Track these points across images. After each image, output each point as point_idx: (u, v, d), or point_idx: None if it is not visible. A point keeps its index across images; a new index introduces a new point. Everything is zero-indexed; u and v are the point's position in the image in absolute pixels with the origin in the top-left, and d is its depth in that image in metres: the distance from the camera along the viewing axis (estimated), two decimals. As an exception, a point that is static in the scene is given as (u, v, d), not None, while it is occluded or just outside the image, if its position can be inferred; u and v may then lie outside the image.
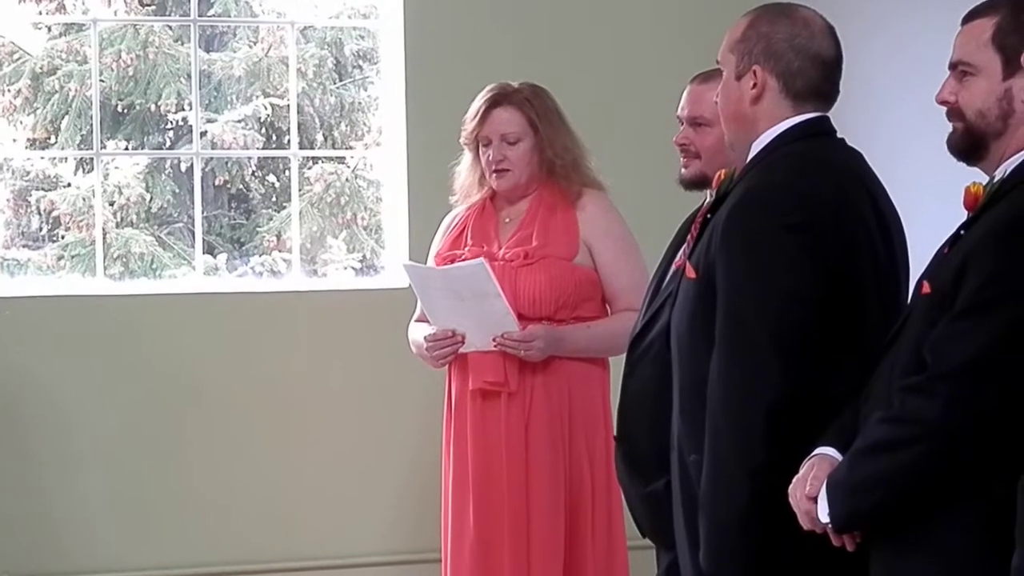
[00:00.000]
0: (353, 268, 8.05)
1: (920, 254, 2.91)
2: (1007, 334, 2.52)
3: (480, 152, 4.43)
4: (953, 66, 2.74)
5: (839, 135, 3.12)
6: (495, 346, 4.27)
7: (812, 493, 2.69)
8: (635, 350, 3.40)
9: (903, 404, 2.59)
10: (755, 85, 3.04)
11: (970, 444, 2.54)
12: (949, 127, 2.76)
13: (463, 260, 4.37)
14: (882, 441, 2.60)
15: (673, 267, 3.39)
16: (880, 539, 2.66)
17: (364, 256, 8.04)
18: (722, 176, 3.20)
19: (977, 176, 2.73)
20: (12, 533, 5.21)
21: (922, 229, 3.20)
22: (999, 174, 2.68)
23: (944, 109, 2.76)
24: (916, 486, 2.58)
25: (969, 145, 2.71)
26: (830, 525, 2.67)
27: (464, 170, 4.51)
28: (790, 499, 2.75)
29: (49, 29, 8.57)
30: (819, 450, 2.75)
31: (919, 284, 2.70)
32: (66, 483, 5.25)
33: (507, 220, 4.46)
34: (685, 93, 3.71)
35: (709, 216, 3.12)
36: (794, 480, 2.75)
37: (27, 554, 5.22)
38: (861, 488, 2.62)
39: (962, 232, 2.67)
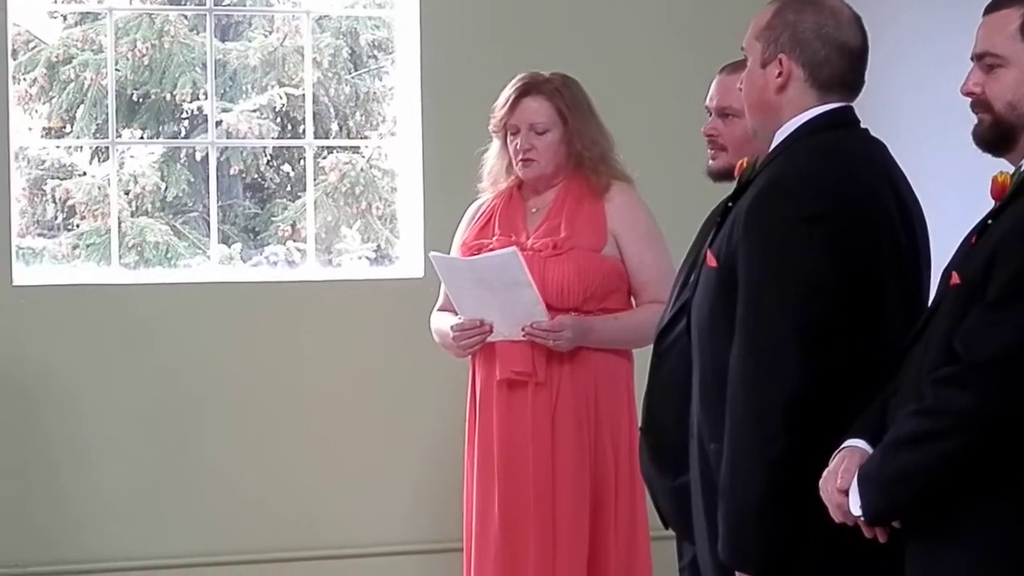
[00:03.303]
0: (368, 258, 8.04)
1: (941, 245, 2.90)
2: None
3: (508, 140, 4.43)
4: (978, 57, 2.71)
5: (863, 125, 3.10)
6: (524, 335, 4.26)
7: (843, 486, 2.68)
8: (663, 342, 3.39)
9: (936, 396, 2.57)
10: (780, 74, 3.04)
11: (1004, 434, 2.52)
12: (970, 118, 2.74)
13: (490, 249, 4.37)
14: (915, 433, 2.58)
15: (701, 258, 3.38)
16: (914, 532, 2.64)
17: (379, 246, 8.03)
18: (744, 164, 3.19)
19: (1002, 166, 2.72)
20: (27, 522, 5.21)
21: (943, 220, 3.19)
22: None
23: (968, 100, 2.74)
24: (950, 478, 2.56)
25: (998, 137, 2.70)
26: (862, 518, 2.65)
27: (492, 157, 4.51)
28: (821, 492, 2.73)
29: (65, 18, 8.57)
30: (849, 442, 2.73)
31: (947, 275, 2.68)
32: (81, 472, 5.26)
33: (534, 210, 4.46)
34: (713, 83, 3.70)
35: (730, 204, 3.12)
36: (825, 473, 2.73)
37: (42, 543, 5.23)
38: (894, 480, 2.60)
39: (990, 222, 2.65)
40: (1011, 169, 2.68)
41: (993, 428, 2.52)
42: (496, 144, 4.49)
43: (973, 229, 2.71)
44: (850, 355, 2.88)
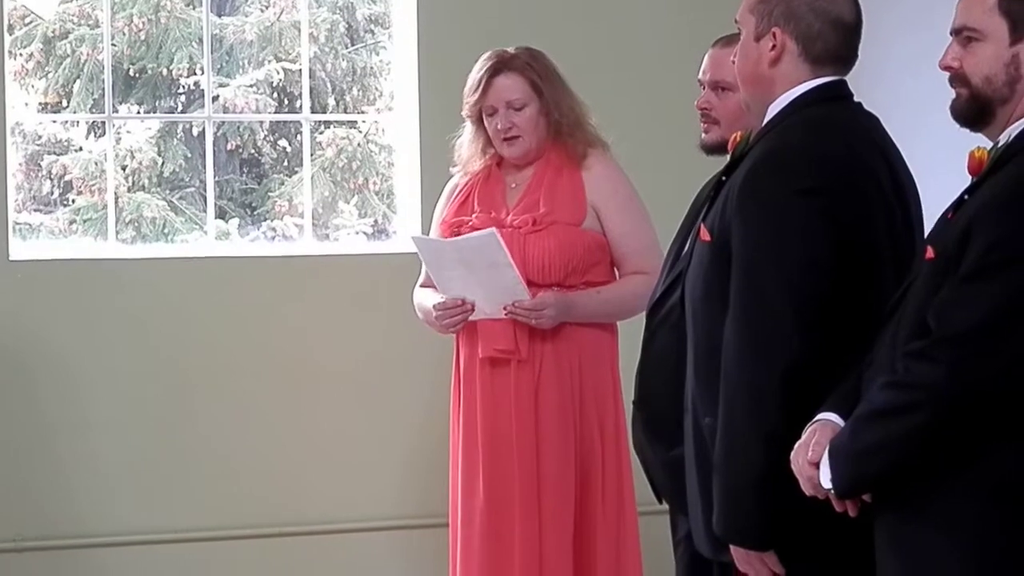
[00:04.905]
0: (364, 233, 8.04)
1: (935, 220, 2.89)
2: (1012, 298, 2.50)
3: (485, 122, 4.40)
4: (957, 31, 2.72)
5: (856, 99, 3.10)
6: (506, 315, 4.26)
7: (814, 459, 2.69)
8: (655, 316, 3.40)
9: (907, 369, 2.57)
10: (774, 47, 3.04)
11: (974, 409, 2.52)
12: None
13: (470, 226, 4.36)
14: (885, 406, 2.59)
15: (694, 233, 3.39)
16: (884, 505, 2.65)
17: (376, 221, 8.03)
18: (738, 138, 3.19)
19: (982, 141, 2.72)
20: (25, 498, 5.22)
21: (937, 196, 3.18)
22: (1003, 139, 2.67)
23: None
24: (919, 452, 2.57)
25: (974, 111, 2.70)
26: (832, 491, 2.66)
27: (466, 142, 4.48)
28: (792, 465, 2.74)
29: (61, -8, 8.56)
30: (821, 416, 2.75)
31: (923, 249, 2.69)
32: (78, 447, 5.26)
33: (513, 185, 4.44)
34: (706, 57, 3.71)
35: (724, 178, 3.12)
36: (796, 446, 2.75)
37: (40, 519, 5.23)
38: (864, 454, 2.61)
39: (966, 197, 2.66)
40: (990, 144, 2.69)
41: (963, 402, 2.52)
42: (468, 128, 4.47)
43: (951, 204, 2.71)
44: (845, 328, 2.88)
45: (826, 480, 2.66)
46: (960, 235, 2.57)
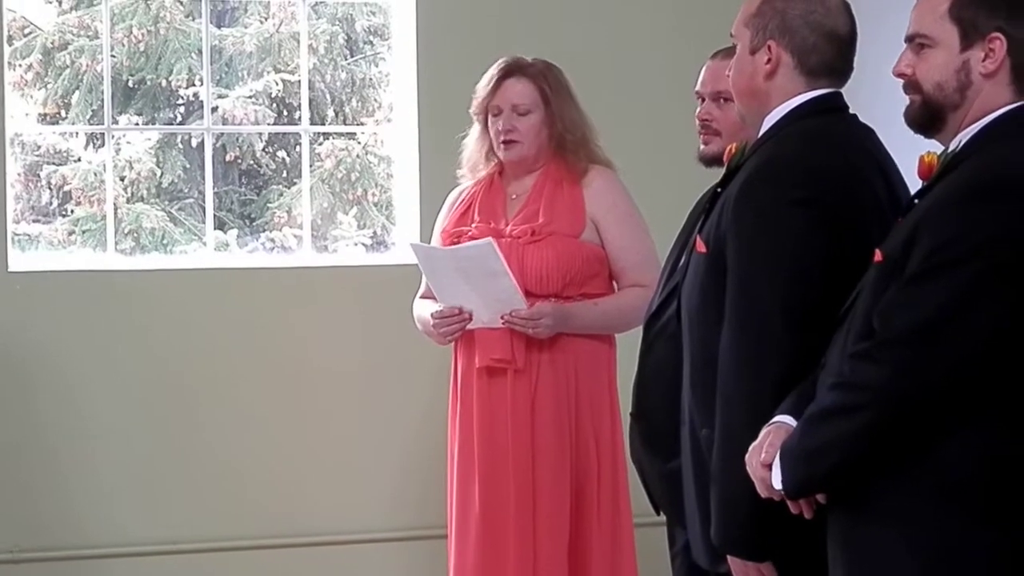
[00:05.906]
0: (364, 244, 8.05)
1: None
2: (956, 299, 2.52)
3: (489, 123, 4.43)
4: (910, 39, 2.75)
5: (852, 111, 3.12)
6: (503, 323, 4.27)
7: (767, 460, 2.71)
8: (652, 327, 3.41)
9: (852, 371, 2.60)
10: (769, 60, 3.06)
11: (919, 409, 2.55)
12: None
13: (470, 236, 4.38)
14: (831, 407, 2.62)
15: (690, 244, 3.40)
16: (835, 505, 2.67)
17: (375, 232, 8.03)
18: (733, 150, 3.20)
19: (932, 146, 2.74)
20: (24, 508, 5.22)
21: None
22: (954, 144, 2.69)
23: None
24: (866, 452, 2.59)
25: (926, 118, 2.73)
26: (782, 491, 2.69)
27: (472, 143, 4.51)
28: (747, 467, 2.77)
29: (60, 3, 8.56)
30: (776, 418, 2.77)
31: (872, 252, 2.71)
32: (77, 458, 5.27)
33: (514, 196, 4.46)
34: (704, 69, 3.72)
35: (719, 190, 3.13)
36: (750, 448, 2.77)
37: (38, 529, 5.24)
38: (812, 454, 2.64)
39: (916, 201, 2.70)
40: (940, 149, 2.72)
41: (908, 402, 2.54)
42: (476, 129, 4.50)
43: (902, 209, 2.74)
44: (840, 338, 2.89)
45: (777, 481, 2.69)
46: (906, 238, 2.60)
